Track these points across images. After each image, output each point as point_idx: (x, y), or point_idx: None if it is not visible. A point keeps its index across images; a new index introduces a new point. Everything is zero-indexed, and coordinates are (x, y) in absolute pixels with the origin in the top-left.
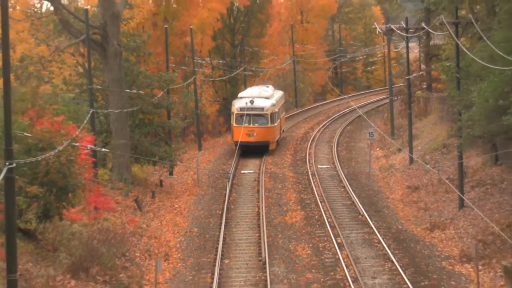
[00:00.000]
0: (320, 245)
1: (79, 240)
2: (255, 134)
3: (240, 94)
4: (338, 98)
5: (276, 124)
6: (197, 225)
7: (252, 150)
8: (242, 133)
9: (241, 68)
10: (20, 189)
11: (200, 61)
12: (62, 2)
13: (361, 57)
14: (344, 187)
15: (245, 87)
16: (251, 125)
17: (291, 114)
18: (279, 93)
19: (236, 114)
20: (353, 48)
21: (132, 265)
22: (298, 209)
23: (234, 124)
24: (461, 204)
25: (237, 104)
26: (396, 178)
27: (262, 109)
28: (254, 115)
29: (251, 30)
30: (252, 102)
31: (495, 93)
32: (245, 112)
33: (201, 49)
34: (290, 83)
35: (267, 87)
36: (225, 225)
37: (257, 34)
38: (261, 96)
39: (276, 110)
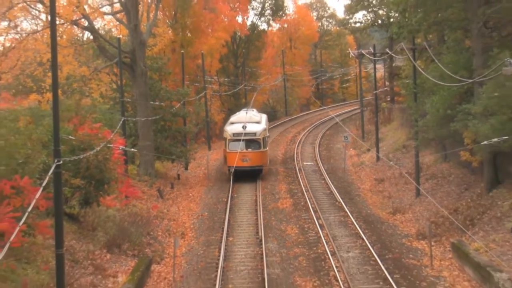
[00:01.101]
0: (305, 226)
1: (113, 222)
2: (249, 159)
3: (231, 119)
4: (319, 109)
5: (267, 148)
6: (207, 210)
7: (246, 175)
8: (237, 158)
9: (242, 85)
10: (66, 181)
11: (209, 79)
12: (100, 32)
13: (338, 76)
14: (324, 179)
15: (246, 100)
16: (245, 150)
17: (282, 121)
18: (264, 116)
19: (229, 139)
20: (331, 69)
21: (155, 242)
22: (287, 197)
23: (228, 150)
24: (418, 193)
25: (230, 130)
26: (366, 172)
27: (255, 134)
28: (247, 140)
29: (250, 54)
30: (244, 127)
31: (444, 104)
32: (238, 138)
33: (210, 69)
34: (281, 96)
35: (253, 111)
36: (229, 210)
37: (255, 57)
38: (252, 121)
39: (267, 134)
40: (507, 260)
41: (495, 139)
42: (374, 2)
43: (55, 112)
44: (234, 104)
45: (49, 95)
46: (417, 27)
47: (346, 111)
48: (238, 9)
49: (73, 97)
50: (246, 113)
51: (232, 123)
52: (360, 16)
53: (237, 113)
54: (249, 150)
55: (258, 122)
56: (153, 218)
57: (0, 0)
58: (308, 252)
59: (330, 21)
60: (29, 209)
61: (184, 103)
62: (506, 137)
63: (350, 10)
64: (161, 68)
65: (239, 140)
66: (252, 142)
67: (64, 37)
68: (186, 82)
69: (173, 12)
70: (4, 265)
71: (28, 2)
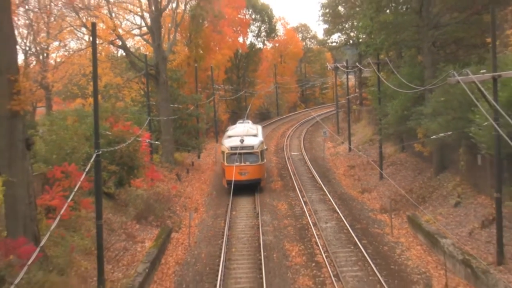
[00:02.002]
0: (293, 202)
1: (141, 199)
2: (247, 173)
3: (228, 133)
4: (304, 110)
5: (265, 160)
6: (215, 190)
7: (245, 188)
8: (235, 172)
9: (243, 91)
10: (104, 167)
11: (217, 87)
12: (130, 50)
13: (318, 84)
14: (307, 166)
15: (246, 104)
16: (243, 164)
17: (274, 120)
18: (260, 128)
19: (226, 153)
20: (313, 78)
21: (174, 215)
22: (279, 180)
23: (226, 163)
24: (381, 177)
25: (227, 144)
26: (340, 160)
27: (252, 147)
28: (245, 153)
29: (249, 67)
30: (242, 141)
31: (402, 107)
32: (236, 151)
33: (217, 79)
34: (274, 100)
35: (249, 122)
36: (233, 190)
37: (253, 69)
38: (249, 134)
39: (265, 147)
40: (450, 229)
41: (442, 134)
42: (346, 26)
43: (96, 113)
44: (237, 107)
45: (90, 100)
46: (380, 46)
47: (325, 112)
48: (239, 32)
49: (110, 101)
50: (243, 124)
51: (229, 136)
52: (336, 37)
53: (233, 126)
54: (247, 163)
55: (255, 135)
56: (173, 196)
57: (53, 25)
58: (294, 223)
59: (312, 41)
60: (75, 189)
61: (197, 106)
62: (450, 132)
63: (328, 32)
64: (179, 78)
65: (236, 154)
66: (250, 155)
67: (103, 53)
68: (199, 89)
69: (188, 34)
70: (56, 233)
71: (74, 27)
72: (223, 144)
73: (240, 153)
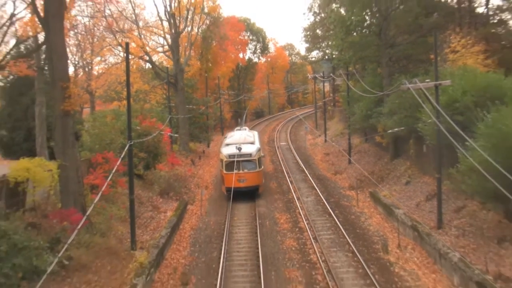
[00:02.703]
0: (281, 181)
1: (163, 179)
2: (245, 180)
3: (226, 141)
4: (290, 110)
5: (263, 167)
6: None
7: (244, 194)
8: (234, 179)
9: (242, 95)
10: (135, 154)
11: (222, 92)
12: (155, 63)
13: (301, 90)
14: (293, 153)
15: (245, 106)
16: (241, 171)
17: (267, 118)
18: (256, 135)
19: (225, 161)
20: (297, 85)
21: (189, 192)
22: (271, 164)
23: (224, 171)
24: (349, 162)
25: (225, 151)
26: (318, 149)
27: (250, 155)
28: (243, 161)
29: (247, 77)
30: (240, 149)
31: (365, 108)
32: (234, 159)
33: (223, 86)
34: (266, 102)
35: (245, 129)
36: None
37: (250, 78)
38: (246, 141)
39: (262, 154)
40: (402, 202)
41: (396, 129)
42: (323, 45)
43: (128, 112)
44: (238, 107)
45: (124, 102)
46: (349, 60)
47: (306, 112)
48: (240, 49)
49: (139, 103)
50: (240, 131)
51: (228, 144)
52: (315, 53)
53: (231, 133)
54: (245, 171)
55: (252, 143)
56: (188, 177)
57: (96, 44)
58: (283, 197)
59: (296, 56)
60: (113, 171)
61: (207, 107)
62: (402, 128)
63: (308, 50)
64: (193, 85)
65: (235, 161)
66: (248, 162)
67: (134, 66)
68: (208, 94)
69: (200, 51)
70: (98, 205)
71: (112, 46)
72: (222, 152)
73: (238, 161)
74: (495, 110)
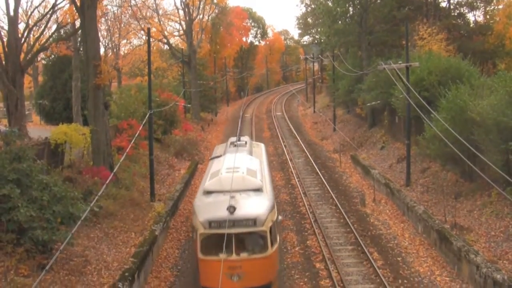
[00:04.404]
0: (277, 146)
1: (178, 142)
2: (242, 275)
3: (205, 186)
4: (285, 85)
5: (277, 245)
6: (227, 136)
7: None
8: (220, 273)
9: (245, 73)
10: (154, 122)
11: (228, 69)
12: (172, 45)
13: (294, 69)
14: (286, 122)
15: (247, 82)
16: (234, 256)
17: (265, 92)
18: (264, 155)
19: (200, 234)
20: (291, 65)
21: (200, 153)
22: (268, 130)
23: (200, 254)
24: (334, 130)
25: (203, 213)
26: (308, 118)
27: (254, 221)
28: (239, 235)
29: (249, 58)
30: (232, 209)
31: (348, 84)
32: (220, 231)
33: (228, 65)
34: (265, 79)
35: (246, 143)
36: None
37: (252, 59)
38: (246, 187)
39: (277, 217)
40: (377, 163)
41: (373, 102)
42: (313, 31)
43: (149, 86)
44: (241, 83)
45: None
46: (334, 45)
47: (298, 87)
48: (243, 34)
49: (158, 79)
50: (235, 154)
51: (209, 192)
52: (306, 38)
53: (218, 155)
54: (243, 255)
55: (258, 190)
56: (199, 141)
57: (123, 29)
58: (277, 159)
59: (291, 40)
60: (136, 136)
61: (215, 82)
62: (379, 102)
63: (301, 35)
64: (204, 64)
65: (222, 236)
66: (248, 238)
67: (154, 48)
68: (216, 71)
69: (210, 35)
70: (124, 164)
71: (136, 30)
72: (195, 210)
73: (229, 235)
74: (454, 88)
